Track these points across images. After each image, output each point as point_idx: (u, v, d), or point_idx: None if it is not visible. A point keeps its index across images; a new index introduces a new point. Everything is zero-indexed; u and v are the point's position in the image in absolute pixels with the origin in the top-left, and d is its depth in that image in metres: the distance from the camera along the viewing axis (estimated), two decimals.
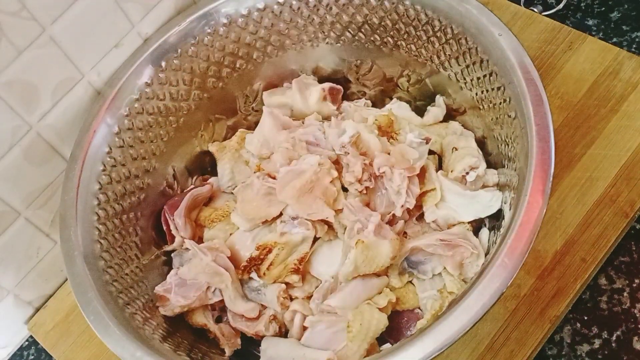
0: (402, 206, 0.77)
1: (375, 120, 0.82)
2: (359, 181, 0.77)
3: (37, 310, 0.93)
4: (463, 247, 0.75)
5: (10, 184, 0.81)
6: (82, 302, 0.70)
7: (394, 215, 0.78)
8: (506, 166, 0.76)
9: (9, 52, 0.74)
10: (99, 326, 0.68)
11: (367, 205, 0.79)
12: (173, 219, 0.85)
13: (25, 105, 0.78)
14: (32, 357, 0.92)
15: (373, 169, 0.78)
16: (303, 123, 0.90)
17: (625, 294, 0.79)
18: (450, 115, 0.88)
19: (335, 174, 0.80)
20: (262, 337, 0.79)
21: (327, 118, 0.90)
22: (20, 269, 0.88)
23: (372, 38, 0.89)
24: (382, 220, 0.76)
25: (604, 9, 1.01)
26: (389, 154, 0.78)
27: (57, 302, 0.93)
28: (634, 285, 0.79)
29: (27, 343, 0.93)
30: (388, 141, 0.81)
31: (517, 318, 0.77)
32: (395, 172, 0.76)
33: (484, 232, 0.78)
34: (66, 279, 0.93)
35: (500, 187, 0.78)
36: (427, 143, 0.79)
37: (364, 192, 0.78)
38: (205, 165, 0.95)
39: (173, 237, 0.85)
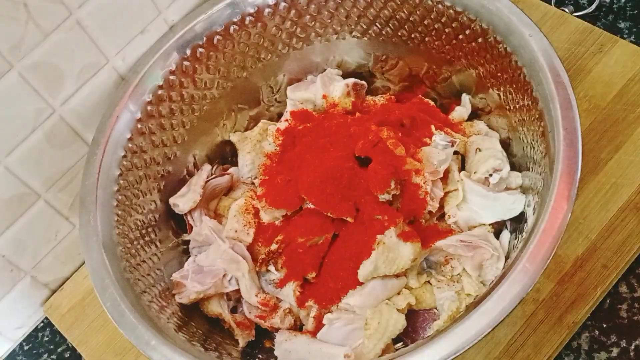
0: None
1: None
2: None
3: (54, 292, 0.93)
4: (483, 248, 0.74)
5: (31, 166, 0.81)
6: (98, 288, 0.70)
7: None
8: (531, 169, 0.75)
9: (35, 34, 0.74)
10: (115, 313, 0.68)
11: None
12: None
13: (49, 88, 0.78)
14: (47, 338, 0.92)
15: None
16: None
17: None
18: (476, 114, 0.87)
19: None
20: (277, 329, 0.79)
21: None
22: (38, 251, 0.88)
23: (399, 33, 0.88)
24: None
25: (636, 11, 0.99)
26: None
27: (73, 285, 0.93)
28: None
29: (42, 324, 0.93)
30: None
31: (535, 322, 0.76)
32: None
33: (505, 234, 0.77)
34: (83, 263, 0.94)
35: (524, 189, 0.77)
36: (452, 146, 0.78)
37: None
38: (226, 155, 0.95)
39: (192, 226, 0.85)
